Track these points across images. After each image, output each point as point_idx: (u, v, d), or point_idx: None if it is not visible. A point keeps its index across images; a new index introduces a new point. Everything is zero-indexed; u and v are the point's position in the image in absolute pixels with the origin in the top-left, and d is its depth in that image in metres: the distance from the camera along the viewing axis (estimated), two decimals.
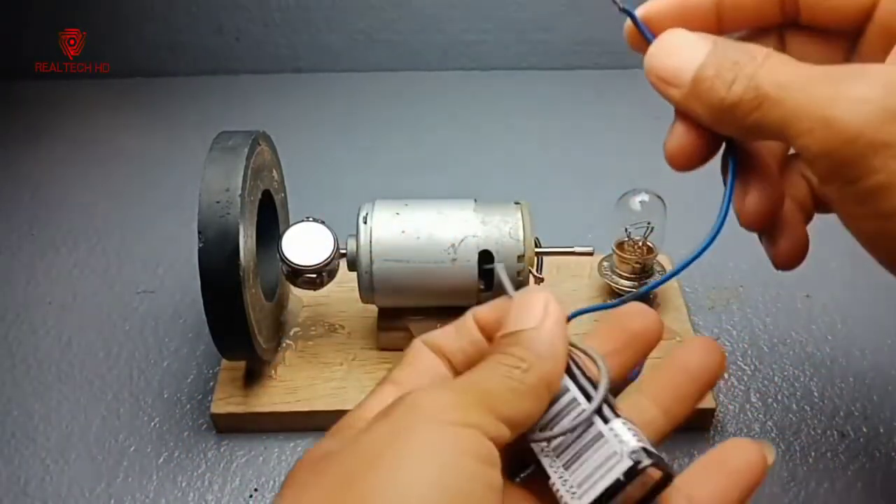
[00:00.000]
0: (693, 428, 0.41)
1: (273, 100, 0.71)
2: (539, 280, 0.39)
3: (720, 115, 0.26)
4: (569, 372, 0.27)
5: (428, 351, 0.29)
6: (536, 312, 0.27)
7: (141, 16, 0.71)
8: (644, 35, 0.29)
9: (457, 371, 0.29)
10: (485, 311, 0.29)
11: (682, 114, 0.28)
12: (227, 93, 0.72)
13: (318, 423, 0.41)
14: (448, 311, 0.42)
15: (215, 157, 0.37)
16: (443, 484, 0.22)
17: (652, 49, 0.28)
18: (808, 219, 0.30)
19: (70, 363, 0.46)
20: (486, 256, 0.39)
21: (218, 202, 0.35)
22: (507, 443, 0.24)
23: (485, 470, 0.23)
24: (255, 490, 0.40)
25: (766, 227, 0.29)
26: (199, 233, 0.35)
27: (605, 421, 0.25)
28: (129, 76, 0.74)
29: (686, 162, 0.28)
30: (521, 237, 0.39)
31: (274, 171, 0.44)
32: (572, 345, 0.28)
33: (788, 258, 0.30)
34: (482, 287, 0.40)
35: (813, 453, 0.40)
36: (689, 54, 0.27)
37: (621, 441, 0.24)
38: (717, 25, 0.28)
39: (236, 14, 0.72)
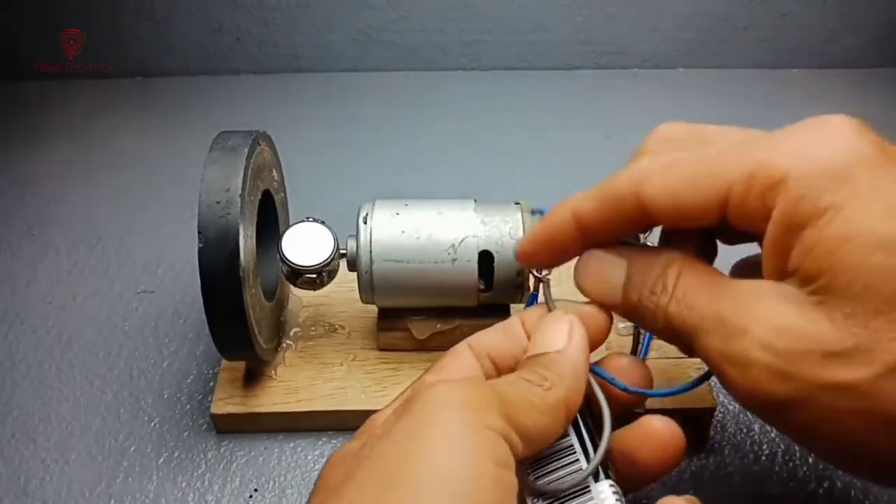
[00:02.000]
0: (693, 428, 0.41)
1: (273, 100, 0.71)
2: (539, 280, 0.39)
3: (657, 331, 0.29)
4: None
5: (468, 354, 0.30)
6: (562, 335, 0.28)
7: (141, 16, 0.71)
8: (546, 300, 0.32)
9: (502, 374, 0.29)
10: (531, 315, 0.30)
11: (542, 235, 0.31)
12: (227, 93, 0.72)
13: (318, 423, 0.41)
14: (448, 311, 0.42)
15: (215, 157, 0.37)
16: (464, 481, 0.22)
17: (577, 271, 0.31)
18: None
19: (70, 363, 0.46)
20: (486, 256, 0.39)
21: (218, 202, 0.35)
22: (519, 457, 0.24)
23: (503, 472, 0.23)
24: (255, 490, 0.40)
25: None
26: (199, 233, 0.35)
27: (596, 478, 0.26)
28: (129, 76, 0.74)
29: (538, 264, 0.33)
30: (521, 237, 0.39)
31: (274, 171, 0.44)
32: (592, 371, 0.29)
33: None
34: (482, 287, 0.40)
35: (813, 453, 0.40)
36: (611, 279, 0.29)
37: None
38: (585, 244, 0.30)
39: (236, 14, 0.72)
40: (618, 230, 0.29)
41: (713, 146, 0.27)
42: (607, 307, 0.30)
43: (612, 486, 0.26)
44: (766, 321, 0.24)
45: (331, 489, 0.24)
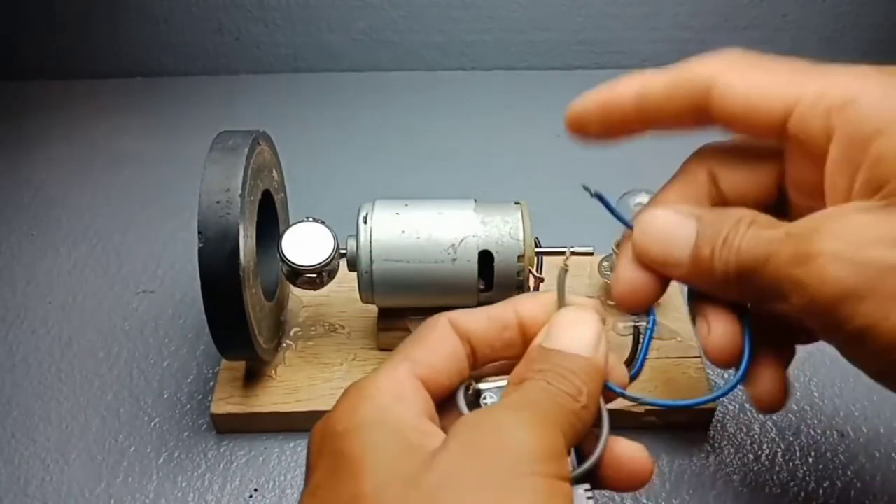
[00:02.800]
0: (693, 428, 0.42)
1: (273, 100, 0.71)
2: (539, 280, 0.39)
3: (720, 288, 0.28)
4: None
5: (451, 332, 0.29)
6: (590, 338, 0.28)
7: (141, 16, 0.71)
8: (620, 220, 0.30)
9: (477, 361, 0.29)
10: (531, 307, 0.29)
11: (632, 257, 0.30)
12: (227, 93, 0.72)
13: None
14: (448, 311, 0.42)
15: (215, 157, 0.37)
16: None
17: (639, 236, 0.29)
18: (788, 362, 0.31)
19: (70, 363, 0.46)
20: (486, 256, 0.39)
21: (218, 202, 0.35)
22: None
23: (565, 486, 0.24)
24: (255, 490, 0.40)
25: (732, 362, 0.29)
26: (199, 233, 0.35)
27: (576, 481, 0.26)
28: (129, 76, 0.74)
29: (639, 304, 0.30)
30: (521, 237, 0.39)
31: (274, 171, 0.44)
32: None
33: (766, 402, 0.30)
34: (482, 287, 0.40)
35: (813, 453, 0.40)
36: (680, 238, 0.28)
37: None
38: (639, 123, 0.30)
39: (236, 14, 0.72)
40: (677, 117, 0.29)
41: (784, 65, 0.28)
42: (667, 270, 0.29)
43: (586, 489, 0.26)
44: (835, 227, 0.24)
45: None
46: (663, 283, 0.30)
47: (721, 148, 0.30)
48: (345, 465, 0.24)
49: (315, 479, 0.25)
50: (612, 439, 0.28)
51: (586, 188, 0.30)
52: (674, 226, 0.29)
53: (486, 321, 0.29)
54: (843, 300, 0.24)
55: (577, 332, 0.28)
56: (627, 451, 0.27)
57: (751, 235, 0.26)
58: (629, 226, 0.30)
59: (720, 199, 0.29)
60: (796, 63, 0.28)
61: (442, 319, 0.29)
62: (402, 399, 0.26)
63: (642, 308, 0.31)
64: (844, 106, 0.25)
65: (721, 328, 0.29)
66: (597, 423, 0.27)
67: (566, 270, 0.30)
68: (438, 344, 0.28)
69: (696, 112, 0.28)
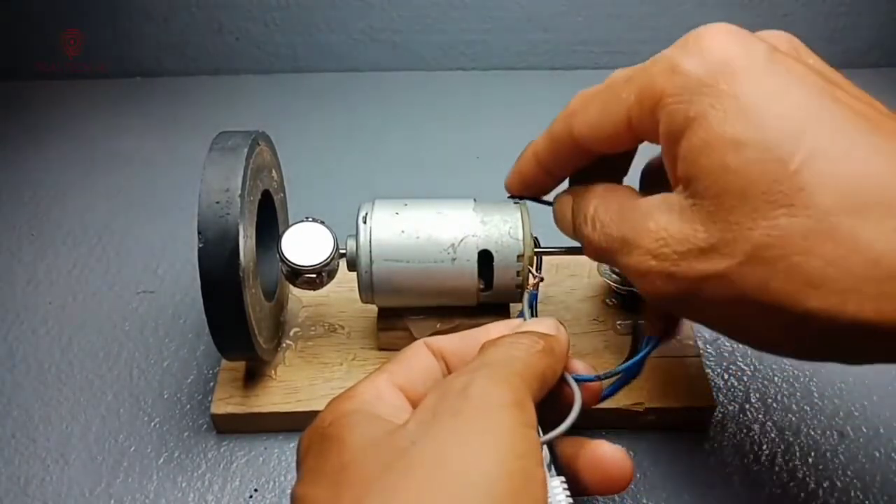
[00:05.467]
0: (693, 428, 0.42)
1: (273, 100, 0.71)
2: (538, 279, 0.39)
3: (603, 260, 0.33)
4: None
5: (425, 349, 0.31)
6: (551, 324, 0.31)
7: (141, 16, 0.71)
8: (545, 203, 0.38)
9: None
10: (502, 329, 0.32)
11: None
12: (227, 93, 0.72)
13: None
14: (448, 310, 0.42)
15: (215, 157, 0.37)
16: (519, 489, 0.23)
17: (555, 217, 0.36)
18: None
19: (70, 363, 0.46)
20: (485, 256, 0.39)
21: (218, 202, 0.35)
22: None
23: (544, 471, 0.25)
24: (255, 490, 0.40)
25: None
26: (199, 233, 0.35)
27: (549, 470, 0.27)
28: (129, 76, 0.74)
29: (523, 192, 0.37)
30: (521, 237, 0.39)
31: (274, 171, 0.44)
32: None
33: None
34: (482, 287, 0.40)
35: (813, 453, 0.40)
36: (565, 216, 0.34)
37: (556, 501, 0.26)
38: (552, 178, 0.36)
39: (236, 14, 0.72)
40: (568, 163, 0.33)
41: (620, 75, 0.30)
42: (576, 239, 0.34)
43: (563, 482, 0.26)
44: (654, 233, 0.27)
45: (367, 480, 0.24)
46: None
47: (581, 105, 0.32)
48: (331, 447, 0.26)
49: (304, 467, 0.26)
50: (593, 442, 0.29)
51: (510, 197, 0.39)
52: (561, 205, 0.35)
53: (459, 340, 0.31)
54: (665, 303, 0.28)
55: (540, 323, 0.31)
56: (608, 453, 0.29)
57: (597, 231, 0.31)
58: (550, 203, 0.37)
59: (580, 150, 0.32)
60: (623, 73, 0.30)
61: (417, 342, 0.31)
62: (381, 398, 0.28)
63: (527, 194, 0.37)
64: (656, 105, 0.27)
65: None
66: (566, 409, 0.29)
67: (534, 293, 0.37)
68: (414, 358, 0.30)
69: (577, 155, 0.32)
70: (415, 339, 0.42)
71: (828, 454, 0.40)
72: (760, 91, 0.25)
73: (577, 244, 0.42)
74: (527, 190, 0.37)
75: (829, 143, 0.23)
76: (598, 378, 0.31)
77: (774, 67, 0.25)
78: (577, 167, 0.34)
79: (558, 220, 0.35)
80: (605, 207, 0.31)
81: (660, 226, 0.27)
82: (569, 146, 0.32)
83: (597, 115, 0.30)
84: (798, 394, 0.43)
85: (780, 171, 0.23)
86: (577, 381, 0.30)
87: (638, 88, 0.28)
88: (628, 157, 0.34)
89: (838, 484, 0.39)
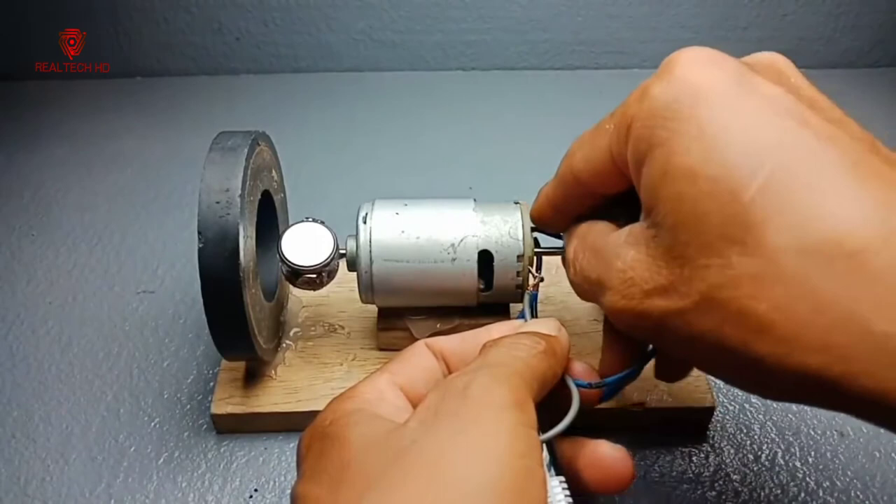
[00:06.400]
0: (693, 428, 0.42)
1: (273, 100, 0.71)
2: (538, 279, 0.39)
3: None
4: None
5: (426, 350, 0.31)
6: (553, 325, 0.31)
7: (141, 16, 0.71)
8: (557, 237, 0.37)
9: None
10: (504, 329, 0.32)
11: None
12: (227, 93, 0.72)
13: None
14: (448, 311, 0.42)
15: (215, 157, 0.37)
16: (521, 488, 0.23)
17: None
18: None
19: (70, 363, 0.46)
20: (485, 256, 0.39)
21: (218, 202, 0.35)
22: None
23: (543, 471, 0.25)
24: (255, 490, 0.40)
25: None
26: (199, 233, 0.35)
27: (549, 470, 0.27)
28: (129, 76, 0.74)
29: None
30: (521, 237, 0.39)
31: (274, 171, 0.44)
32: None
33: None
34: (482, 287, 0.40)
35: (813, 453, 0.40)
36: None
37: (556, 501, 0.26)
38: (566, 219, 0.34)
39: (236, 14, 0.72)
40: (576, 203, 0.33)
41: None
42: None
43: (562, 482, 0.26)
44: (621, 273, 0.26)
45: (367, 479, 0.24)
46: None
47: (578, 143, 0.31)
48: (331, 445, 0.26)
49: (305, 466, 0.26)
50: (593, 441, 0.29)
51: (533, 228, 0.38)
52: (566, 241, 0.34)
53: (460, 340, 0.31)
54: (648, 338, 0.28)
55: (541, 324, 0.31)
56: (608, 452, 0.28)
57: (578, 275, 0.31)
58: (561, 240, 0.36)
59: (585, 189, 0.31)
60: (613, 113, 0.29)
61: (418, 342, 0.31)
62: (382, 398, 0.28)
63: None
64: (627, 133, 0.26)
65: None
66: (566, 405, 0.29)
67: (534, 293, 0.37)
68: (414, 359, 0.30)
69: (584, 195, 0.32)
70: (415, 339, 0.42)
71: (828, 454, 0.40)
72: (724, 117, 0.23)
73: None
74: (547, 228, 0.36)
75: (786, 175, 0.21)
76: (591, 386, 0.31)
77: (743, 91, 0.24)
78: (587, 206, 0.33)
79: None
80: (583, 248, 0.31)
81: (626, 264, 0.26)
82: (573, 186, 0.31)
83: (588, 150, 0.30)
84: None
85: (734, 204, 0.22)
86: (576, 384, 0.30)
87: (616, 118, 0.27)
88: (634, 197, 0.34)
89: (838, 484, 0.39)
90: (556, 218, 0.34)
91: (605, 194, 0.31)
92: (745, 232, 0.22)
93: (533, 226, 0.38)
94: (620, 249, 0.27)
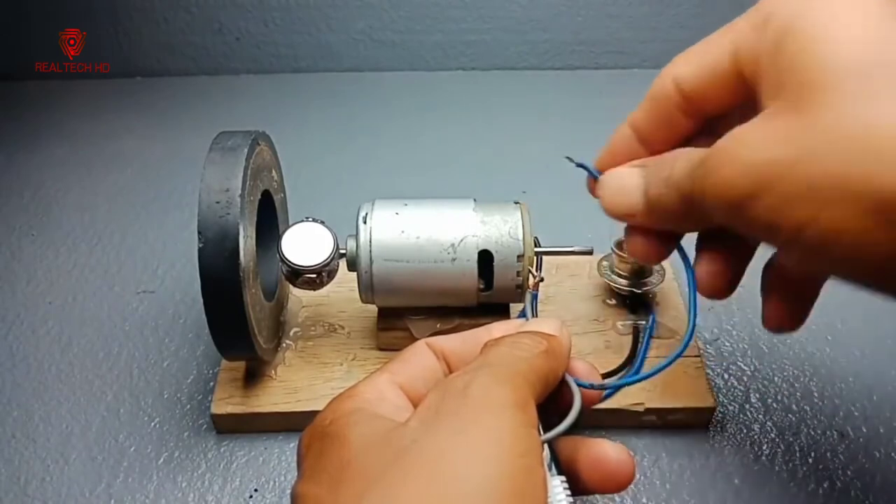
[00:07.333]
0: (693, 428, 0.42)
1: (273, 100, 0.71)
2: (538, 279, 0.39)
3: (677, 223, 0.30)
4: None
5: (426, 350, 0.31)
6: (554, 325, 0.31)
7: (141, 16, 0.71)
8: (594, 176, 0.33)
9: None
10: (504, 328, 0.31)
11: (634, 228, 0.32)
12: (227, 93, 0.72)
13: None
14: (448, 311, 0.42)
15: (215, 157, 0.37)
16: (521, 489, 0.23)
17: (602, 193, 0.32)
18: (808, 288, 0.31)
19: (70, 363, 0.46)
20: (485, 256, 0.39)
21: (218, 202, 0.35)
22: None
23: (544, 470, 0.25)
24: (255, 490, 0.40)
25: (724, 294, 0.31)
26: (199, 233, 0.35)
27: (550, 470, 0.27)
28: (129, 76, 0.74)
29: (649, 262, 0.34)
30: (521, 237, 0.39)
31: (273, 171, 0.44)
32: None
33: (774, 321, 0.31)
34: (482, 287, 0.40)
35: (813, 453, 0.40)
36: (630, 186, 0.31)
37: (556, 500, 0.26)
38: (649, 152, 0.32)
39: (236, 14, 0.72)
40: (669, 126, 0.31)
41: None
42: (630, 218, 0.32)
43: (563, 481, 0.26)
44: (730, 137, 0.26)
45: (367, 479, 0.24)
46: (665, 242, 0.32)
47: (684, 55, 0.30)
48: (332, 445, 0.26)
49: (305, 465, 0.26)
50: (594, 441, 0.29)
51: (569, 158, 0.35)
52: (624, 177, 0.31)
53: (461, 340, 0.31)
54: (746, 201, 0.25)
55: (543, 324, 0.31)
56: (609, 451, 0.28)
57: (684, 161, 0.28)
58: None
59: (686, 104, 0.30)
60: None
61: (418, 342, 0.31)
62: (383, 398, 0.28)
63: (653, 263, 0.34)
64: (766, 22, 0.26)
65: (707, 266, 0.31)
66: (567, 405, 0.29)
67: (534, 293, 0.36)
68: (415, 358, 0.30)
69: (679, 112, 0.30)
70: (415, 339, 0.42)
71: (828, 454, 0.40)
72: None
73: (576, 245, 0.42)
74: (613, 165, 0.33)
75: None
76: (593, 387, 0.30)
77: None
78: (678, 136, 0.31)
79: (616, 196, 0.32)
80: (694, 153, 0.29)
81: (744, 130, 0.25)
82: (671, 101, 0.30)
83: (701, 58, 0.29)
84: (798, 394, 0.43)
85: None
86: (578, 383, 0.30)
87: (752, 15, 0.27)
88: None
89: (838, 484, 0.39)
90: (636, 154, 0.32)
91: (703, 112, 0.30)
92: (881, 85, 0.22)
93: (597, 171, 0.34)
94: (739, 129, 0.26)
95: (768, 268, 0.31)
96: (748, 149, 0.24)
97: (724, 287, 0.31)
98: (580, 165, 0.34)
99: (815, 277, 0.31)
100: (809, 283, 0.31)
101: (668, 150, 0.31)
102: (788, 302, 0.31)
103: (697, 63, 0.29)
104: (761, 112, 0.25)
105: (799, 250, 0.24)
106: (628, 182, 0.31)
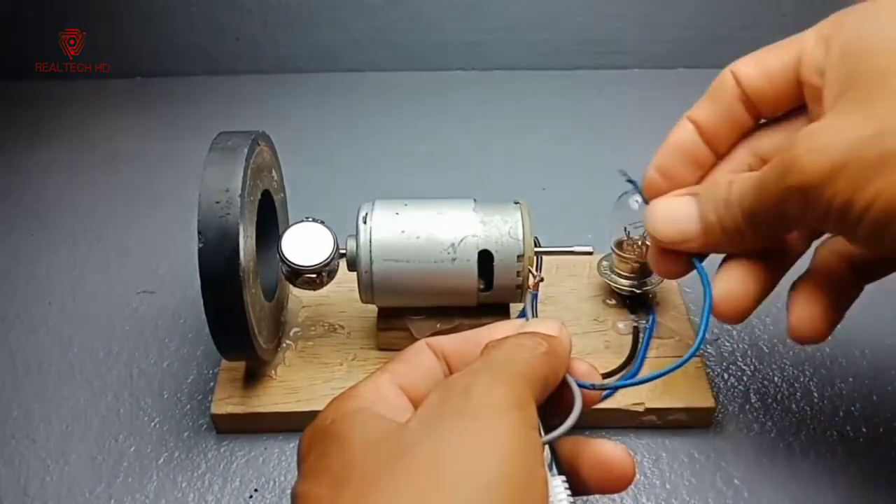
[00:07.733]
0: (693, 428, 0.42)
1: (273, 100, 0.71)
2: (538, 279, 0.39)
3: (737, 241, 0.31)
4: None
5: (427, 350, 0.31)
6: (555, 326, 0.31)
7: (141, 16, 0.71)
8: (643, 199, 0.34)
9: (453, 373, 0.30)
10: (505, 329, 0.31)
11: (663, 249, 0.33)
12: (227, 93, 0.72)
13: None
14: (448, 311, 0.42)
15: (215, 157, 0.37)
16: (521, 488, 0.23)
17: (650, 224, 0.33)
18: (840, 300, 0.33)
19: (70, 363, 0.46)
20: (485, 256, 0.39)
21: (218, 202, 0.35)
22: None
23: (544, 470, 0.25)
24: (255, 490, 0.40)
25: (739, 319, 0.33)
26: (199, 233, 0.35)
27: (551, 470, 0.27)
28: (129, 76, 0.74)
29: (672, 278, 0.35)
30: (521, 237, 0.39)
31: (274, 171, 0.44)
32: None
33: (799, 332, 0.32)
34: (482, 287, 0.40)
35: (813, 453, 0.40)
36: (684, 214, 0.32)
37: (557, 500, 0.26)
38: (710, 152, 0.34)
39: (236, 14, 0.72)
40: (731, 120, 0.32)
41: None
42: (685, 246, 0.32)
43: (564, 481, 0.26)
44: (804, 132, 0.27)
45: (368, 479, 0.24)
46: (685, 263, 0.33)
47: (748, 57, 0.32)
48: (332, 445, 0.26)
49: (305, 465, 0.26)
50: (595, 441, 0.29)
51: (622, 172, 0.35)
52: (677, 206, 0.32)
53: (461, 340, 0.31)
54: (825, 182, 0.26)
55: (542, 324, 0.31)
56: (610, 451, 0.28)
57: (742, 180, 0.30)
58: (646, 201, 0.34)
59: (746, 100, 0.32)
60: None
61: (419, 342, 0.31)
62: (383, 398, 0.28)
63: (677, 277, 0.34)
64: (830, 38, 0.29)
65: (729, 286, 0.32)
66: (568, 406, 0.29)
67: (534, 293, 0.37)
68: (416, 358, 0.30)
69: (741, 108, 0.32)
70: (415, 339, 0.42)
71: (828, 454, 0.40)
72: None
73: (576, 245, 0.42)
74: (685, 172, 0.33)
75: None
76: (593, 387, 0.30)
77: None
78: (740, 130, 0.33)
79: (670, 223, 0.32)
80: (743, 162, 0.32)
81: (817, 125, 0.27)
82: (731, 95, 0.32)
83: (765, 62, 0.31)
84: (798, 394, 0.43)
85: None
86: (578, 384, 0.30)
87: (821, 24, 0.30)
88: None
89: (838, 484, 0.39)
90: (691, 149, 0.33)
91: (757, 111, 0.32)
92: None
93: (652, 175, 0.34)
94: (803, 130, 0.27)
95: (805, 277, 0.33)
96: (826, 134, 0.26)
97: (739, 313, 0.33)
98: (630, 182, 0.35)
99: (859, 283, 0.33)
100: (850, 288, 0.33)
101: (730, 146, 0.33)
102: (823, 309, 0.32)
103: (761, 65, 0.31)
104: (829, 112, 0.28)
105: (869, 225, 0.26)
106: (682, 211, 0.32)
